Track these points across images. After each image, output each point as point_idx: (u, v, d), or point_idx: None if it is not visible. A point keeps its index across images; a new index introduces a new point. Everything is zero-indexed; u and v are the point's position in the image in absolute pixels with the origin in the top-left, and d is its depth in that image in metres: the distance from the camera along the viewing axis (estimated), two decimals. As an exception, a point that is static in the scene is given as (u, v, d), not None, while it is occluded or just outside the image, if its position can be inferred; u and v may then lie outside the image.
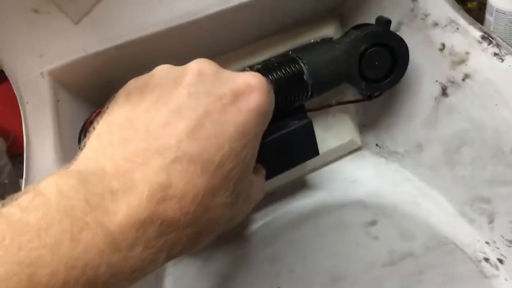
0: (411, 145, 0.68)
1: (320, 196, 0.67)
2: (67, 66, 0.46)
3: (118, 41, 0.46)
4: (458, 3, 0.60)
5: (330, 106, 0.63)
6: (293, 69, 0.57)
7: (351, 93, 0.66)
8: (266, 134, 0.57)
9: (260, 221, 0.65)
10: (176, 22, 0.48)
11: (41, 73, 0.45)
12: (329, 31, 0.62)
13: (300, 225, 0.65)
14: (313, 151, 0.60)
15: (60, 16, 0.44)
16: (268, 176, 0.59)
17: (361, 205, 0.67)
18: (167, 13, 0.48)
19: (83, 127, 0.50)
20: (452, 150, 0.65)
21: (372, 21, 0.61)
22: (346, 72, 0.59)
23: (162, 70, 0.41)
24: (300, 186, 0.68)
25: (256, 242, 0.64)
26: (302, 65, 0.57)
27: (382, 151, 0.71)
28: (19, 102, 0.44)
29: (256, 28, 0.57)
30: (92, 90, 0.51)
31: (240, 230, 0.64)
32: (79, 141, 0.50)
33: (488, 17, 0.78)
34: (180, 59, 0.55)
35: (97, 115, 0.49)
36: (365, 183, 0.68)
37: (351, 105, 0.66)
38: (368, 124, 0.70)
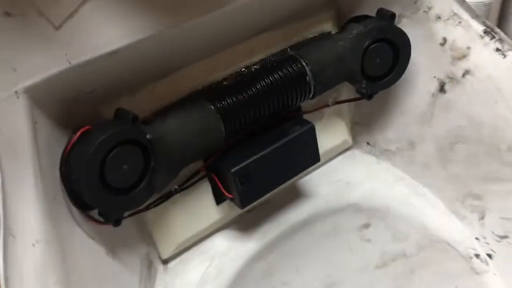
0: (404, 142, 0.65)
1: (314, 203, 0.63)
2: (46, 82, 0.37)
3: (109, 48, 0.38)
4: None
5: (327, 106, 0.58)
6: (294, 69, 0.51)
7: (345, 90, 0.61)
8: (267, 143, 0.51)
9: (256, 235, 0.60)
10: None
11: (16, 92, 0.35)
12: (326, 24, 0.57)
13: (294, 235, 0.61)
14: (315, 157, 0.55)
15: (38, 19, 0.35)
16: (270, 189, 0.54)
17: (355, 208, 0.64)
18: (162, 15, 0.40)
19: (64, 150, 0.41)
20: (446, 148, 0.63)
21: (371, 12, 0.56)
22: (349, 71, 0.54)
23: None
24: (294, 193, 0.63)
25: (251, 258, 0.58)
26: (305, 64, 0.51)
27: (373, 149, 0.67)
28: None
29: (251, 23, 0.50)
30: (72, 105, 0.42)
31: (234, 248, 0.58)
32: (61, 166, 0.42)
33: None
34: (175, 60, 0.48)
35: (82, 134, 0.41)
36: (358, 185, 0.64)
37: (345, 104, 0.61)
38: (360, 122, 0.66)
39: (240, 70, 0.51)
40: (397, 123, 0.64)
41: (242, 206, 0.52)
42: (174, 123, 0.46)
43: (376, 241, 0.65)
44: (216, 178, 0.52)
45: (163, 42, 0.41)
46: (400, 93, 0.62)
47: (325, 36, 0.55)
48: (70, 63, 0.37)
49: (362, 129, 0.67)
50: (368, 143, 0.67)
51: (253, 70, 0.51)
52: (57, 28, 0.35)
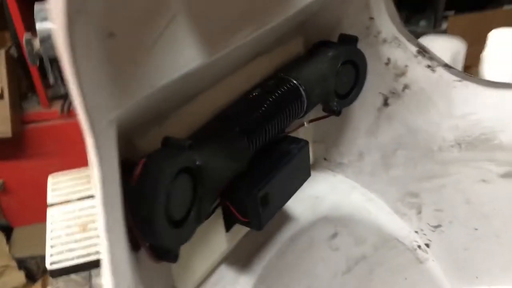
0: (354, 154, 0.71)
1: (295, 221, 0.65)
2: (129, 109, 0.34)
3: (186, 68, 0.36)
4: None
5: (303, 125, 0.61)
6: (291, 90, 0.54)
7: (313, 110, 0.65)
8: (274, 163, 0.53)
9: (255, 260, 0.59)
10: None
11: (110, 121, 0.32)
12: (300, 48, 0.61)
13: (283, 254, 0.62)
14: (307, 173, 0.58)
15: (134, 40, 0.32)
16: (279, 207, 0.55)
17: (325, 220, 0.68)
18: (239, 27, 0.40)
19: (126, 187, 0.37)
20: (389, 155, 0.71)
21: (330, 38, 0.62)
22: (327, 90, 0.59)
23: None
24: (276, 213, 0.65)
25: (255, 283, 0.58)
26: (299, 85, 0.55)
27: (329, 164, 0.72)
28: (92, 157, 0.30)
29: (244, 55, 0.52)
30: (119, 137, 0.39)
31: (241, 276, 0.57)
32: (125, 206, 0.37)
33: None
34: (201, 85, 0.47)
35: (144, 166, 0.38)
36: (325, 198, 0.69)
37: (311, 123, 0.66)
38: (318, 140, 0.71)
39: (246, 94, 0.52)
40: (348, 137, 0.70)
41: (261, 227, 0.52)
42: (211, 149, 0.45)
43: (342, 248, 0.70)
44: (230, 204, 0.51)
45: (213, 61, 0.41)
46: (352, 110, 0.69)
47: (305, 58, 0.59)
48: (154, 87, 0.34)
49: (320, 146, 0.72)
50: (325, 159, 0.73)
51: (256, 93, 0.52)
52: (149, 48, 0.33)
